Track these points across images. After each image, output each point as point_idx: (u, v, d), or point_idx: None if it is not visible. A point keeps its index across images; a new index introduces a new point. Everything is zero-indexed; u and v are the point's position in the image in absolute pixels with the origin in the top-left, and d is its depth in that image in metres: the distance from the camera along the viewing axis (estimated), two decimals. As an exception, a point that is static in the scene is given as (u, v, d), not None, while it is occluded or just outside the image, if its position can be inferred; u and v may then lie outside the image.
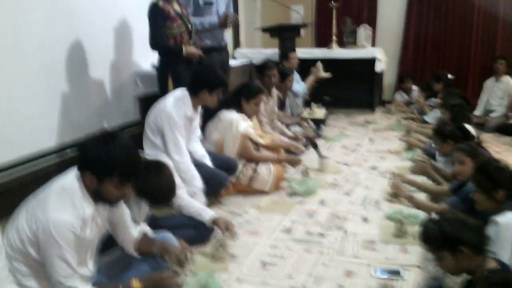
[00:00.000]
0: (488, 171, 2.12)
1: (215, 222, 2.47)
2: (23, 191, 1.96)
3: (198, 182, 2.78)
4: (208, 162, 3.06)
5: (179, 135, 2.79)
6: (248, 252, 2.47)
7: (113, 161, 1.63)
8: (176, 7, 3.44)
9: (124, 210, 1.97)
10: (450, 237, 1.69)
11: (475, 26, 6.61)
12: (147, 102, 3.69)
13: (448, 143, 3.28)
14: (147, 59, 3.95)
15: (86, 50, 3.45)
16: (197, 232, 2.46)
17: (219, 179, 2.98)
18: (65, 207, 1.63)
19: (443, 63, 6.79)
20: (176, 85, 3.24)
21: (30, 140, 3.00)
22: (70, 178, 1.70)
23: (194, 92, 2.88)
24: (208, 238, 2.52)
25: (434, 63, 6.88)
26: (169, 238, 2.15)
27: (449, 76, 5.79)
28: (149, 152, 2.86)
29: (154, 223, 2.33)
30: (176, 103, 2.81)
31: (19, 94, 2.89)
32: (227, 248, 2.39)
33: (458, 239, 1.68)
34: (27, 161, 2.98)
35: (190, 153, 2.99)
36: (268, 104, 4.22)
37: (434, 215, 1.88)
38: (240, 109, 3.37)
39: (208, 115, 3.31)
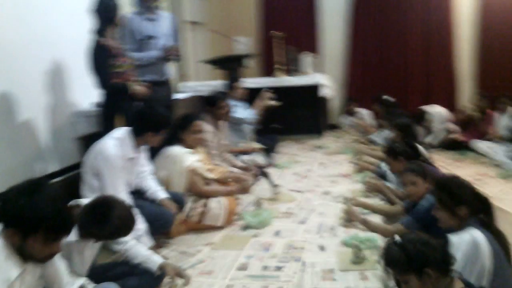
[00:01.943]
0: (450, 188, 2.08)
1: (162, 269, 2.29)
2: None
3: (140, 225, 2.61)
4: (163, 194, 2.91)
5: (118, 178, 2.63)
6: (202, 295, 2.31)
7: (38, 216, 1.46)
8: (116, 44, 3.32)
9: (58, 265, 1.78)
10: (415, 259, 1.61)
11: (414, 51, 6.96)
12: (87, 143, 3.50)
13: (399, 160, 3.27)
14: (86, 98, 3.78)
15: (14, 96, 3.23)
16: (144, 281, 2.26)
17: (164, 218, 2.81)
18: None
19: (387, 86, 7.03)
20: (124, 123, 3.10)
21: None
22: None
23: (137, 133, 2.74)
24: (157, 286, 2.34)
25: (380, 86, 7.10)
26: (112, 290, 1.96)
27: (387, 97, 5.97)
28: (89, 196, 2.67)
29: (98, 273, 2.14)
30: (116, 144, 2.66)
31: None
32: (178, 294, 2.23)
33: (424, 261, 1.60)
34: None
35: (145, 192, 2.88)
36: (217, 136, 4.12)
37: (396, 237, 1.80)
38: (182, 143, 3.26)
39: (152, 153, 3.15)
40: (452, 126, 5.76)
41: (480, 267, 1.83)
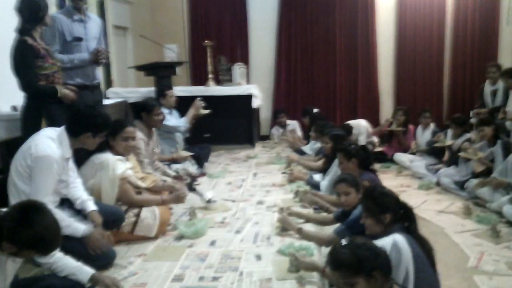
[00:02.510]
0: (375, 197, 2.21)
1: (95, 281, 2.16)
2: None
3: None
4: (92, 206, 2.71)
5: (50, 181, 2.46)
6: (136, 309, 2.20)
7: None
8: (43, 44, 3.13)
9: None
10: (365, 263, 1.66)
11: (340, 67, 7.25)
12: (7, 148, 3.24)
13: (353, 161, 3.35)
14: (5, 101, 3.50)
15: None
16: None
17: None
18: None
19: (313, 99, 7.25)
20: (51, 126, 2.89)
21: None
22: None
23: (75, 134, 2.60)
24: (87, 300, 2.20)
25: (306, 99, 7.30)
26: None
27: (315, 110, 6.15)
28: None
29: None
30: (51, 144, 2.49)
31: None
32: (111, 308, 2.10)
33: (373, 264, 1.66)
34: None
35: (73, 201, 2.69)
36: (149, 144, 3.99)
37: (344, 242, 1.84)
38: (112, 150, 3.11)
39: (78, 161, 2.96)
40: (376, 140, 6.06)
41: (403, 270, 1.93)
